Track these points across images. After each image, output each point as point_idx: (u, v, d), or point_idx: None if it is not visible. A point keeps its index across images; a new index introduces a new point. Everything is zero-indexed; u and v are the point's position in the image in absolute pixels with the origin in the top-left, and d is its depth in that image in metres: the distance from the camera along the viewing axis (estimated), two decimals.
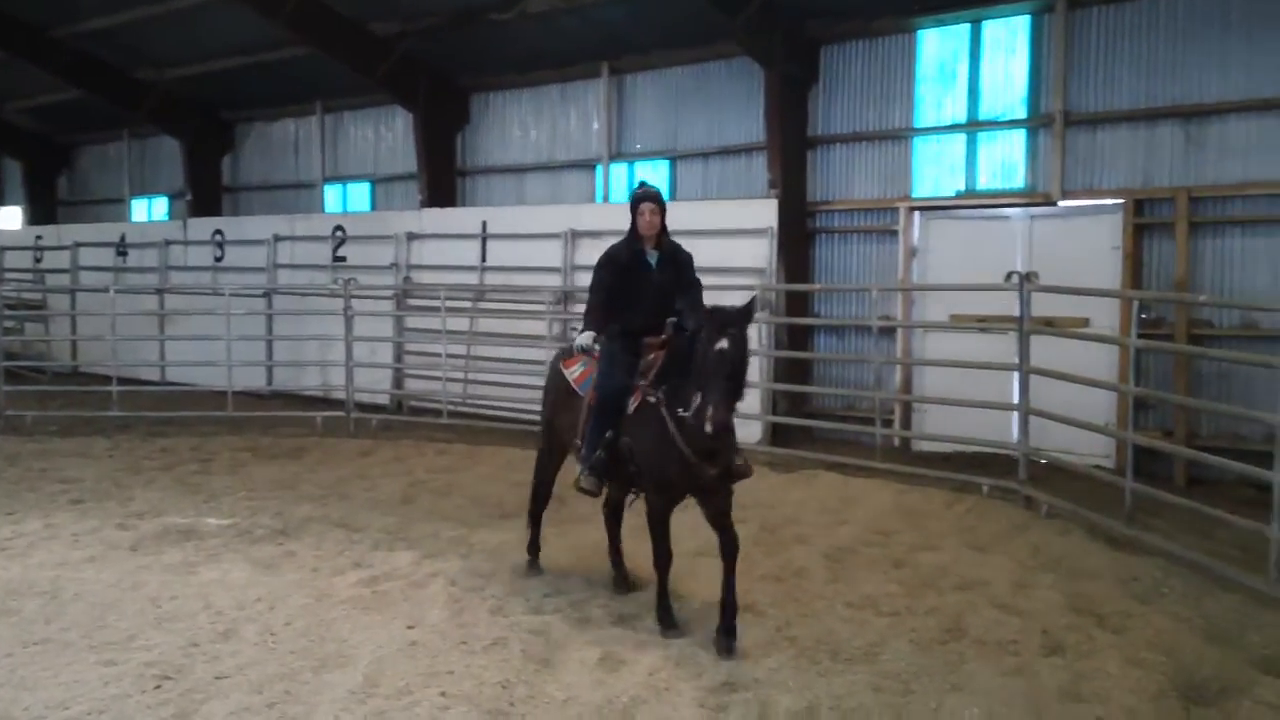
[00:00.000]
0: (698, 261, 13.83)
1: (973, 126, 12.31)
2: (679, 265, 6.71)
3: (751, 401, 11.93)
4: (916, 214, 12.46)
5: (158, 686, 5.47)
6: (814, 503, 9.60)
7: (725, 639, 6.04)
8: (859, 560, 7.88)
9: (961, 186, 12.38)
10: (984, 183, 12.29)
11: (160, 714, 5.14)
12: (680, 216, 13.34)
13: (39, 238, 21.95)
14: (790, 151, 13.13)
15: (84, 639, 6.16)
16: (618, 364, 6.60)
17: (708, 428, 5.69)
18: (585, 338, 6.78)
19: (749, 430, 11.85)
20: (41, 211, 25.39)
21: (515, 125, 16.90)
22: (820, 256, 13.35)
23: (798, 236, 13.11)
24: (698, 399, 5.83)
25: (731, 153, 14.23)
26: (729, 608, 6.12)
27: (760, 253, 12.63)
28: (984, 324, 11.20)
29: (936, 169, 12.61)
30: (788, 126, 13.11)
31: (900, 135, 12.75)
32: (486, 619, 6.54)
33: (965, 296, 11.46)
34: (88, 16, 18.83)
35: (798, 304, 12.98)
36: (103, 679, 5.55)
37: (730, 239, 12.73)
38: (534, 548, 7.55)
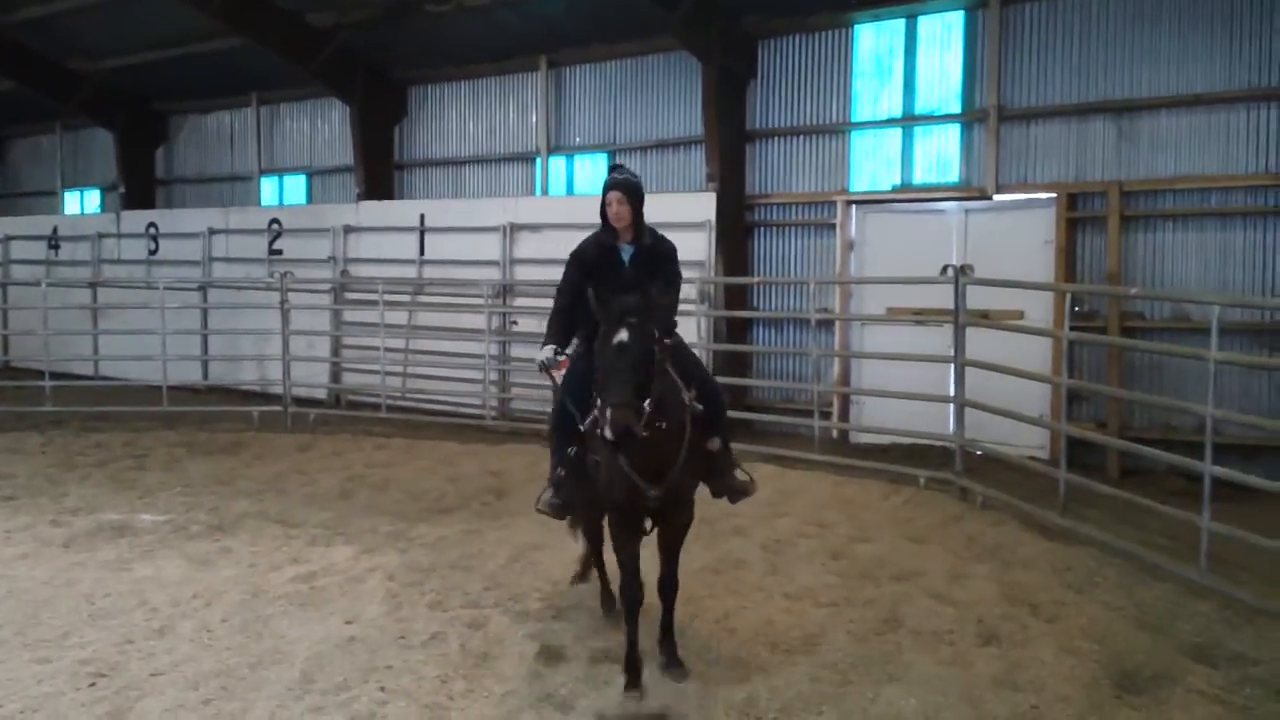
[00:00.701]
0: None
1: (909, 121, 12.47)
2: (656, 261, 5.84)
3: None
4: (854, 208, 12.60)
5: (92, 684, 5.40)
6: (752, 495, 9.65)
7: (674, 670, 5.63)
8: (797, 552, 7.96)
9: (898, 180, 12.54)
10: (920, 177, 12.46)
11: (95, 712, 5.07)
12: None
13: None
14: (728, 145, 13.20)
15: (17, 636, 6.06)
16: (576, 375, 5.86)
17: (606, 433, 4.97)
18: (545, 353, 5.88)
19: None
20: None
21: (453, 118, 16.80)
22: (759, 250, 13.45)
23: (736, 230, 13.19)
24: (598, 403, 5.18)
25: (670, 146, 14.27)
26: (668, 647, 5.73)
27: (699, 246, 12.69)
28: (920, 317, 11.36)
29: (873, 163, 12.75)
30: (726, 120, 13.17)
31: (837, 129, 12.88)
32: (425, 614, 6.52)
33: (902, 290, 11.61)
34: (20, 6, 18.36)
35: (736, 297, 13.06)
36: (36, 677, 5.48)
37: (669, 232, 12.49)
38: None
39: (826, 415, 12.03)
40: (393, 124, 17.22)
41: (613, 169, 6.07)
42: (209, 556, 7.71)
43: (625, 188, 5.84)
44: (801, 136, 13.14)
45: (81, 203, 23.24)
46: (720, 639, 6.20)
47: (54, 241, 19.58)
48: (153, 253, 18.05)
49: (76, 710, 5.10)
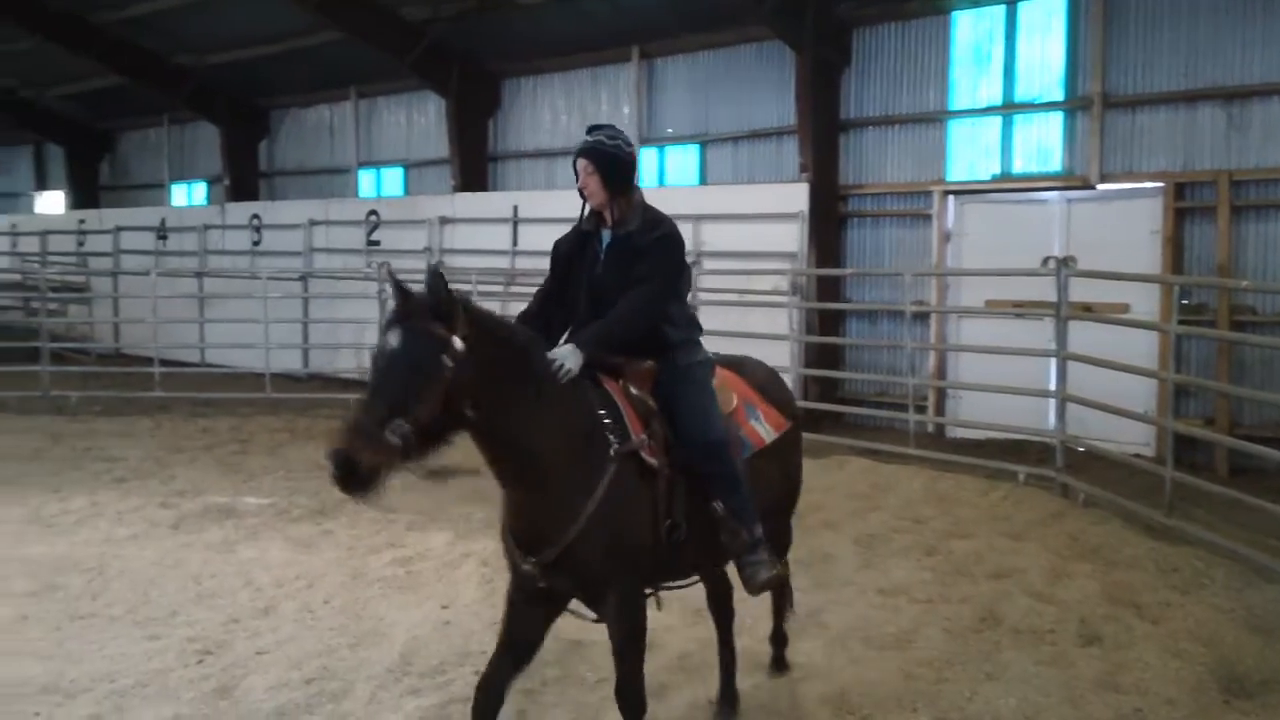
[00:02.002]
0: (728, 245, 13.89)
1: (1008, 109, 12.20)
2: (636, 253, 4.40)
3: None
4: (951, 198, 12.38)
5: (200, 661, 5.58)
6: (844, 488, 9.57)
7: None
8: (890, 547, 7.86)
9: (997, 170, 12.28)
10: (1020, 166, 12.18)
11: (202, 688, 5.24)
12: (710, 201, 13.51)
13: (81, 222, 22.25)
14: (821, 135, 13.07)
15: (128, 614, 6.29)
16: None
17: (329, 466, 3.57)
18: None
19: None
20: (84, 196, 25.71)
21: (546, 110, 16.91)
22: (852, 241, 13.30)
23: (829, 221, 13.06)
24: None
25: (762, 137, 14.18)
26: None
27: (791, 237, 12.61)
28: (1020, 310, 11.12)
29: (971, 152, 12.51)
30: (819, 110, 13.05)
31: (934, 118, 12.66)
32: None
33: (1000, 282, 11.38)
34: (128, 3, 19.01)
35: (829, 289, 12.93)
36: (147, 653, 5.68)
37: (761, 224, 12.73)
38: None
39: (921, 409, 11.85)
40: (487, 116, 17.41)
41: (589, 130, 4.60)
42: (311, 539, 7.90)
43: (592, 154, 4.43)
44: (897, 126, 12.94)
45: (189, 195, 23.98)
46: (811, 634, 6.15)
47: (162, 233, 20.22)
48: (256, 244, 18.53)
49: (185, 686, 5.28)
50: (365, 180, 19.78)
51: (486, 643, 5.83)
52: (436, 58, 16.76)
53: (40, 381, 13.79)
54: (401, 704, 5.10)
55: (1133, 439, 10.43)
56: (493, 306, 14.29)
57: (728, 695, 5.15)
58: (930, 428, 11.81)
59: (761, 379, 5.05)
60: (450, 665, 5.54)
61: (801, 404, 11.93)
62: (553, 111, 16.83)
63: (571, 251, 4.59)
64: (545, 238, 16.29)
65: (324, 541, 7.86)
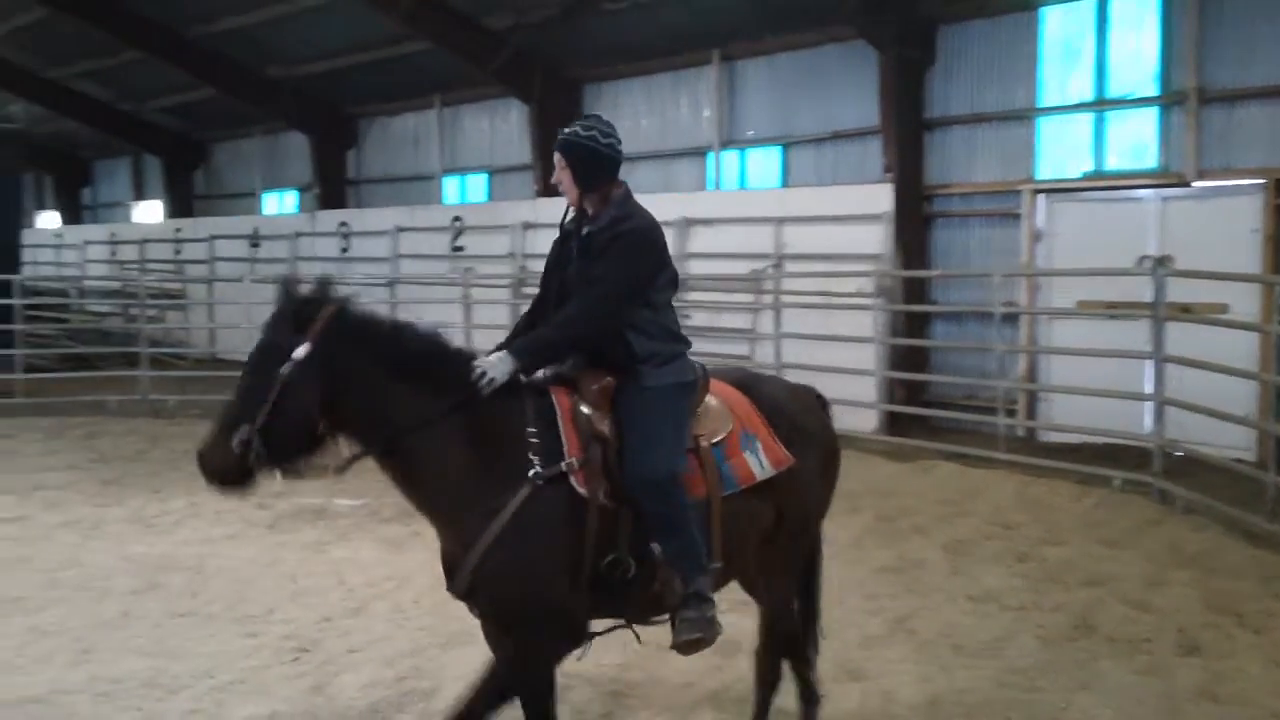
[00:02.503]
0: (811, 248, 13.81)
1: (1100, 105, 11.92)
2: (598, 251, 4.05)
3: (867, 390, 11.81)
4: (1041, 197, 12.13)
5: (295, 659, 5.69)
6: (932, 493, 9.45)
7: None
8: (981, 553, 7.73)
9: (1089, 168, 12.01)
10: (1113, 163, 11.89)
11: (298, 685, 5.35)
12: (793, 203, 13.42)
13: (178, 230, 22.92)
14: (906, 134, 12.92)
15: (226, 612, 6.45)
16: None
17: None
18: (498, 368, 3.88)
19: (863, 418, 11.72)
20: (180, 205, 26.50)
21: (626, 114, 16.96)
22: (939, 242, 13.11)
23: (915, 221, 12.90)
24: None
25: (845, 137, 14.06)
26: None
27: (875, 239, 12.47)
28: (1113, 310, 10.85)
29: (1061, 150, 12.25)
30: (904, 109, 12.90)
31: (1023, 116, 12.42)
32: None
33: (1093, 282, 11.11)
34: (221, 16, 19.56)
35: (915, 291, 12.76)
36: (244, 650, 5.81)
37: (844, 225, 12.62)
38: None
39: (1012, 412, 11.63)
40: (569, 121, 17.46)
41: (573, 122, 4.23)
42: (400, 540, 8.02)
43: (564, 147, 4.12)
44: (984, 124, 12.73)
45: (280, 203, 24.57)
46: (900, 639, 6.08)
47: (255, 240, 20.74)
48: (344, 250, 18.91)
49: (281, 683, 5.39)
50: (450, 187, 20.06)
51: None
52: (519, 65, 16.93)
53: (139, 385, 14.22)
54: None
55: (1233, 443, 10.09)
56: None
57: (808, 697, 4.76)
58: (1020, 432, 11.58)
59: (778, 404, 4.41)
60: None
61: (886, 408, 11.88)
62: (633, 116, 16.88)
63: (557, 248, 4.27)
64: None
65: (413, 543, 7.96)
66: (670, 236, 13.90)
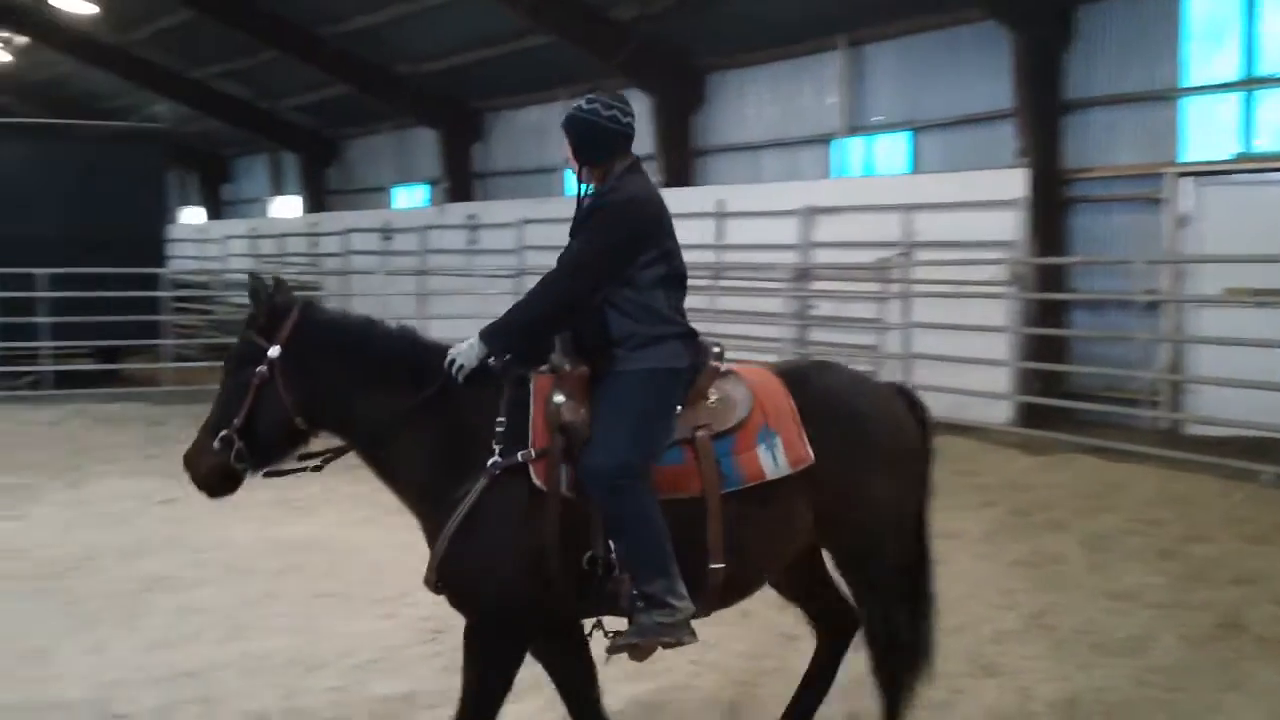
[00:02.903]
0: (941, 235, 13.53)
1: (1249, 84, 11.38)
2: (581, 225, 4.00)
3: (1000, 381, 11.52)
4: (1185, 180, 11.63)
5: (432, 639, 5.81)
6: (1070, 487, 9.17)
7: None
8: (1121, 549, 7.47)
9: (1237, 149, 11.47)
10: (1263, 145, 11.34)
11: (434, 665, 5.47)
12: (922, 190, 13.16)
13: (314, 224, 23.68)
14: (1041, 117, 12.56)
15: (363, 594, 6.63)
16: None
17: None
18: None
19: (996, 410, 11.44)
20: (315, 200, 27.41)
21: (750, 103, 16.88)
22: (1077, 228, 12.69)
23: (1051, 207, 12.51)
24: None
25: (976, 121, 13.74)
26: None
27: (1009, 225, 12.14)
28: (1263, 298, 10.34)
29: (1207, 131, 11.74)
30: (1039, 91, 12.54)
31: (1166, 96, 11.93)
32: None
33: (1241, 268, 10.62)
34: (350, 16, 20.12)
35: (1051, 279, 12.37)
36: (382, 631, 5.96)
37: (976, 212, 12.32)
38: None
39: (1155, 404, 11.20)
40: (691, 111, 17.52)
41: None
42: None
43: (566, 123, 4.04)
44: (1123, 105, 12.28)
45: (410, 197, 25.18)
46: (1036, 636, 5.92)
47: (387, 233, 21.29)
48: (472, 242, 19.27)
49: (417, 663, 5.53)
50: (574, 179, 20.22)
51: (704, 632, 5.79)
52: (643, 56, 16.99)
53: None
54: (619, 689, 5.19)
55: None
56: (699, 301, 14.39)
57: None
58: (1164, 424, 11.14)
59: (831, 401, 4.06)
60: (667, 653, 5.56)
61: (1021, 399, 11.55)
62: (757, 104, 16.79)
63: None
64: (750, 232, 16.46)
65: None
66: (793, 225, 13.98)
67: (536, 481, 3.70)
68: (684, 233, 14.28)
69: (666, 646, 3.82)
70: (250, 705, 5.05)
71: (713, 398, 3.92)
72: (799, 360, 4.68)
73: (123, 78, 26.69)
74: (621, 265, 3.84)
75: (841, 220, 13.72)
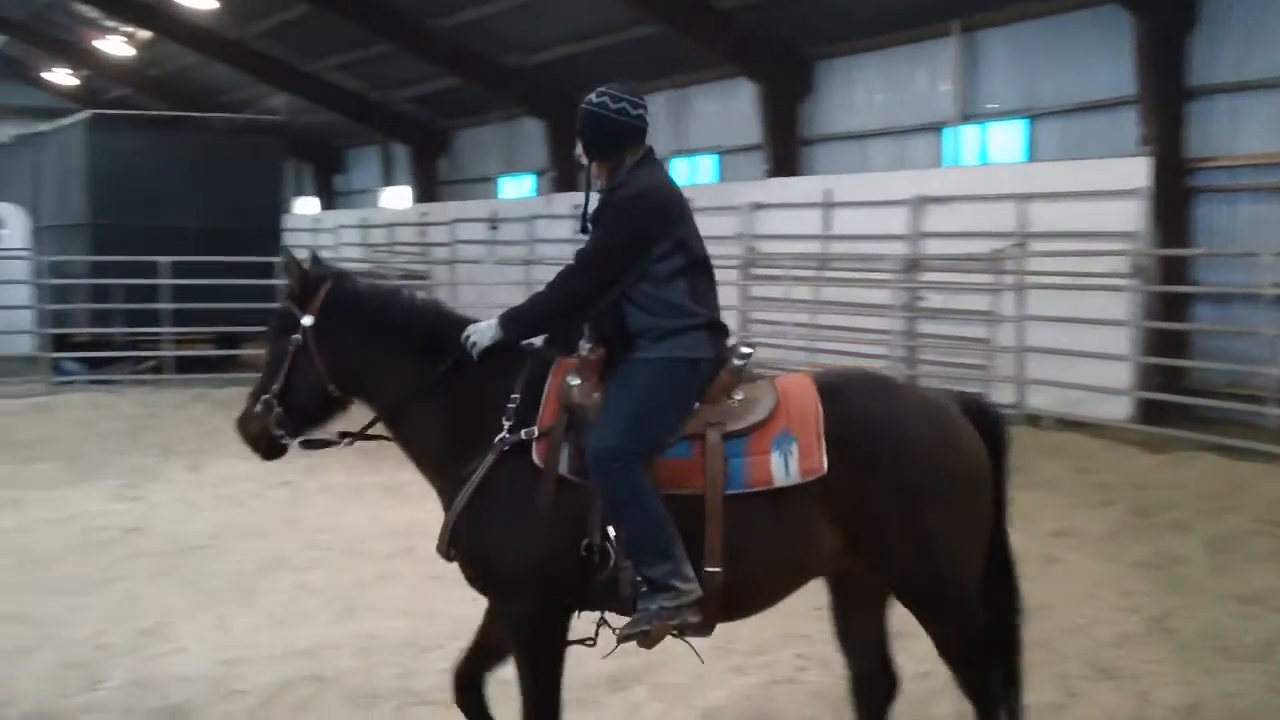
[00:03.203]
0: (1059, 226, 13.14)
1: None
2: (594, 221, 4.01)
3: (1119, 376, 11.16)
4: None
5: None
6: (1193, 486, 8.85)
7: None
8: (1247, 551, 7.20)
9: None
10: None
11: None
12: (1038, 179, 12.81)
13: (423, 214, 24.10)
14: (1164, 104, 12.11)
15: None
16: None
17: None
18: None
19: (1115, 406, 11.08)
20: (425, 190, 27.88)
21: (859, 91, 16.65)
22: (1201, 218, 12.21)
23: (1174, 197, 12.06)
24: None
25: (1096, 108, 13.33)
26: None
27: (1129, 216, 11.74)
28: None
29: None
30: (1162, 77, 12.10)
31: None
32: None
33: None
34: (458, 9, 20.39)
35: (1174, 271, 11.93)
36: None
37: (1095, 202, 11.95)
38: None
39: None
40: (799, 100, 17.34)
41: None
42: None
43: (578, 117, 4.03)
44: (1254, 91, 11.76)
45: (517, 187, 25.44)
46: (1158, 639, 5.73)
47: (494, 223, 21.56)
48: (578, 232, 19.37)
49: None
50: (680, 169, 20.21)
51: (807, 627, 5.82)
52: (750, 44, 16.88)
53: None
54: (725, 680, 5.19)
55: None
56: (806, 292, 14.25)
57: None
58: None
59: (864, 416, 3.76)
60: (772, 646, 5.57)
61: (1141, 395, 11.16)
62: (866, 92, 16.55)
63: None
64: (858, 221, 16.19)
65: None
66: (903, 215, 13.72)
67: (536, 460, 3.70)
68: (791, 223, 14.26)
69: (676, 632, 3.73)
70: (363, 685, 5.16)
71: (736, 396, 3.79)
72: (849, 370, 4.51)
73: (241, 71, 27.49)
74: (632, 261, 3.80)
75: (953, 210, 13.44)
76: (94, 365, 15.41)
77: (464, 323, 3.96)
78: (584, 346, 3.86)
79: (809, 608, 6.04)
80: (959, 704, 4.92)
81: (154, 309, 14.90)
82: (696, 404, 3.76)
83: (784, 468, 3.66)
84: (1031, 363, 11.55)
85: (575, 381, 3.78)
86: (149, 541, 7.64)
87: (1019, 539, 6.10)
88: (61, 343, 15.32)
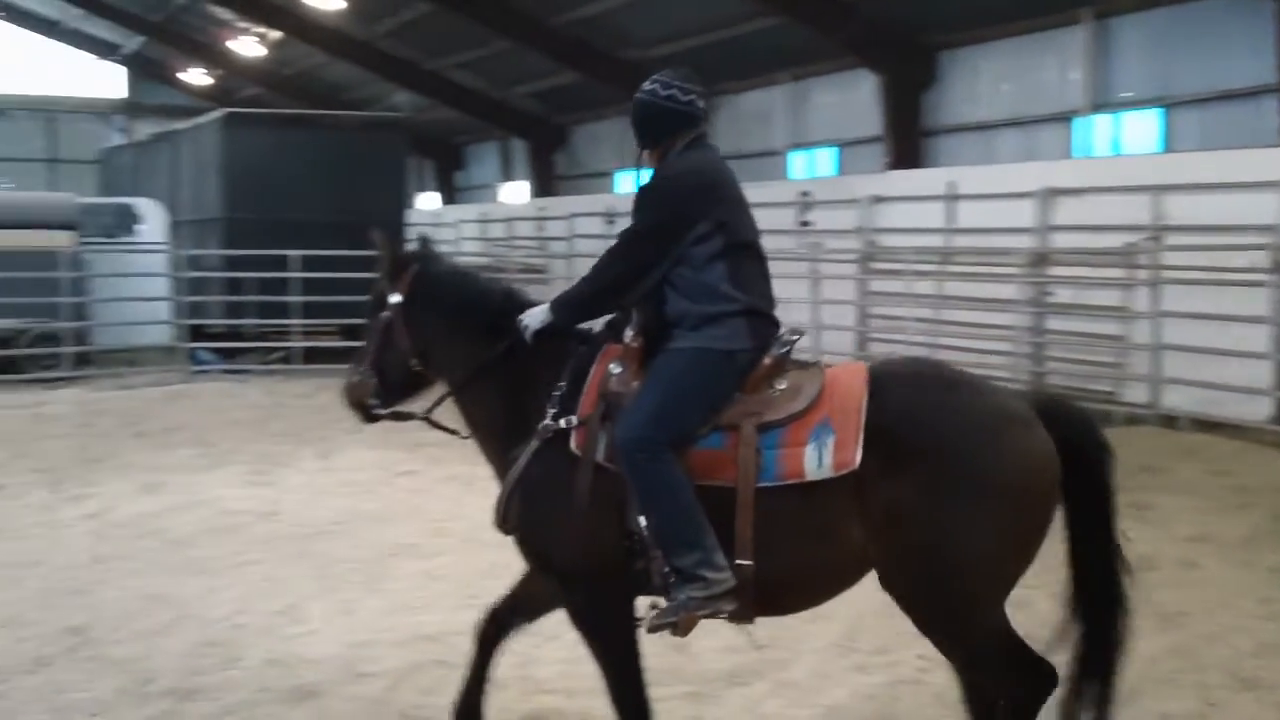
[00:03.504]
0: (1196, 219, 12.62)
1: None
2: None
3: (1261, 375, 10.69)
4: None
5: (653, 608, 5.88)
6: None
7: None
8: None
9: None
10: None
11: (660, 643, 5.18)
12: (1174, 170, 12.33)
13: (541, 209, 24.39)
14: None
15: None
16: None
17: None
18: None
19: (1256, 406, 10.61)
20: (542, 185, 28.18)
21: (984, 80, 16.26)
22: None
23: None
24: None
25: (1236, 97, 12.78)
26: None
27: (1271, 208, 11.20)
28: None
29: None
30: None
31: None
32: None
33: None
34: (579, 4, 20.54)
35: None
36: None
37: (1235, 193, 11.43)
38: None
39: None
40: (921, 90, 17.02)
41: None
42: None
43: (631, 107, 4.17)
44: None
45: (635, 181, 25.52)
46: None
47: (610, 218, 21.69)
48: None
49: (645, 641, 5.40)
50: (797, 162, 20.05)
51: None
52: (872, 35, 16.64)
53: None
54: (848, 679, 5.13)
55: None
56: (928, 286, 13.94)
57: None
58: None
59: (907, 406, 3.58)
60: (895, 647, 5.47)
61: None
62: (992, 82, 16.16)
63: None
64: (983, 215, 15.81)
65: None
66: (1030, 208, 13.35)
67: (574, 448, 3.74)
68: (913, 217, 13.98)
69: (707, 617, 3.73)
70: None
71: (779, 385, 3.71)
72: (913, 361, 4.37)
73: (366, 70, 28.20)
74: (669, 243, 3.80)
75: (1084, 202, 13.01)
76: (226, 355, 16.00)
77: (527, 307, 4.08)
78: (627, 334, 3.89)
79: None
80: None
81: (284, 301, 15.39)
82: (736, 394, 3.71)
83: (817, 460, 3.56)
84: (1167, 361, 11.14)
85: (617, 370, 3.83)
86: (280, 526, 7.90)
87: (1153, 543, 5.95)
88: (197, 333, 15.93)
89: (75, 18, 36.72)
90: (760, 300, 3.84)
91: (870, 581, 6.45)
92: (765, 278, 3.93)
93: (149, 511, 8.23)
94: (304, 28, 26.92)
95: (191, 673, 5.24)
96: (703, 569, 3.57)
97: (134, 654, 5.46)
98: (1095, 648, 3.70)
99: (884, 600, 6.05)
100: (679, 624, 3.67)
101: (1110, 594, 3.71)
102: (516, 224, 25.11)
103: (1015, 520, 3.54)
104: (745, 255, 3.86)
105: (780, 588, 3.73)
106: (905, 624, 5.67)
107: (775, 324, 3.88)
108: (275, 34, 29.18)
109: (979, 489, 3.49)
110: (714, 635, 5.58)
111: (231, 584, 6.58)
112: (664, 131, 4.00)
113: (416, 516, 8.12)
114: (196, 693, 5.03)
